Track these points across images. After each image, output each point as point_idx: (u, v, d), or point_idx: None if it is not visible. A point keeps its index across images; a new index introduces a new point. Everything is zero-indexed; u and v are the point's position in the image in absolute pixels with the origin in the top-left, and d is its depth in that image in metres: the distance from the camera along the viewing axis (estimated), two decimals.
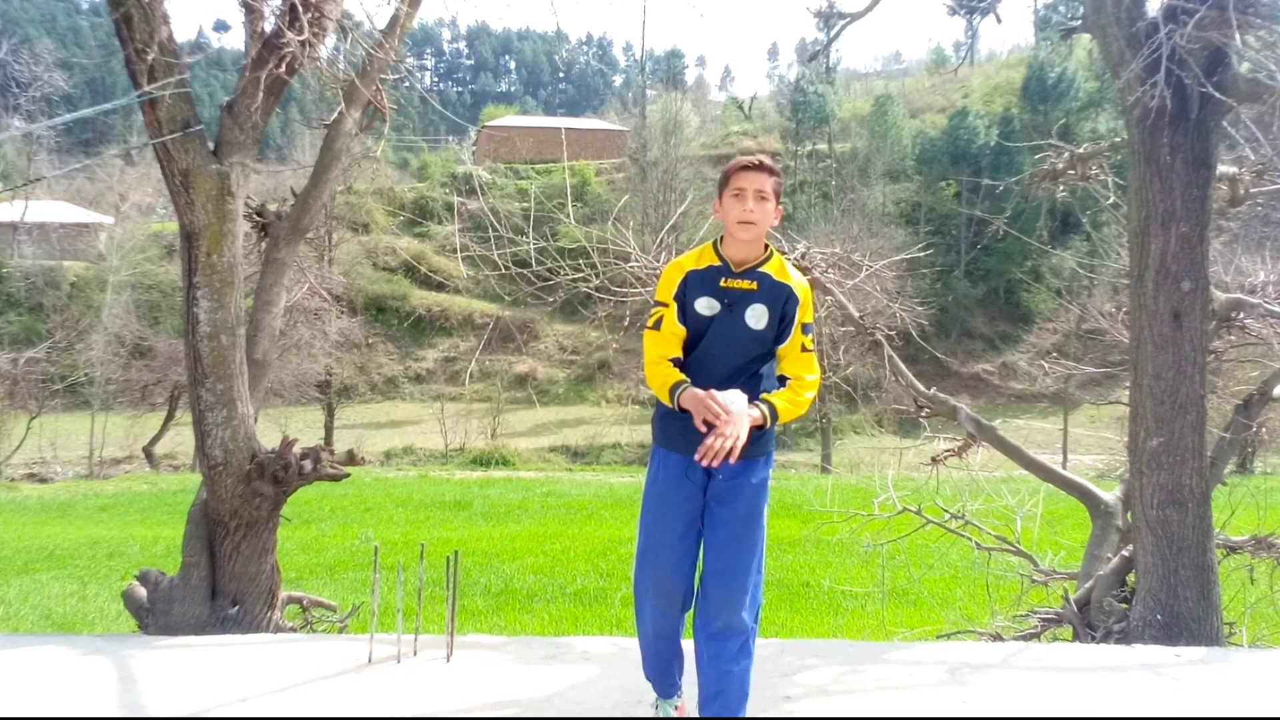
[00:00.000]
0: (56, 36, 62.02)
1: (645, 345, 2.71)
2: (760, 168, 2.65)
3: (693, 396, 2.52)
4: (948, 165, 47.47)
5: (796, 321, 2.67)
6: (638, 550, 2.75)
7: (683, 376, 2.60)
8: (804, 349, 2.68)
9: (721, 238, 2.76)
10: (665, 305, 2.69)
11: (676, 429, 2.65)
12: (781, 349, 2.68)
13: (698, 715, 2.72)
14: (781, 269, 2.73)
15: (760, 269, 2.70)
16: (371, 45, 4.38)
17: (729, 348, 2.65)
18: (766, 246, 2.74)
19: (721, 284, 2.67)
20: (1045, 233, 42.92)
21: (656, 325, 2.68)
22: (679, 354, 2.67)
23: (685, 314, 2.68)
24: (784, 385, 2.66)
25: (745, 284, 2.67)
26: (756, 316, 2.65)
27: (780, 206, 2.73)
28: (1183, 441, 4.10)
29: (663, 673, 2.83)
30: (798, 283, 2.72)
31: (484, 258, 6.33)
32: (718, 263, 2.71)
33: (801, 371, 2.67)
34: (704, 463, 2.41)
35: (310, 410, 31.77)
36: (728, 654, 2.60)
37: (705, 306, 2.66)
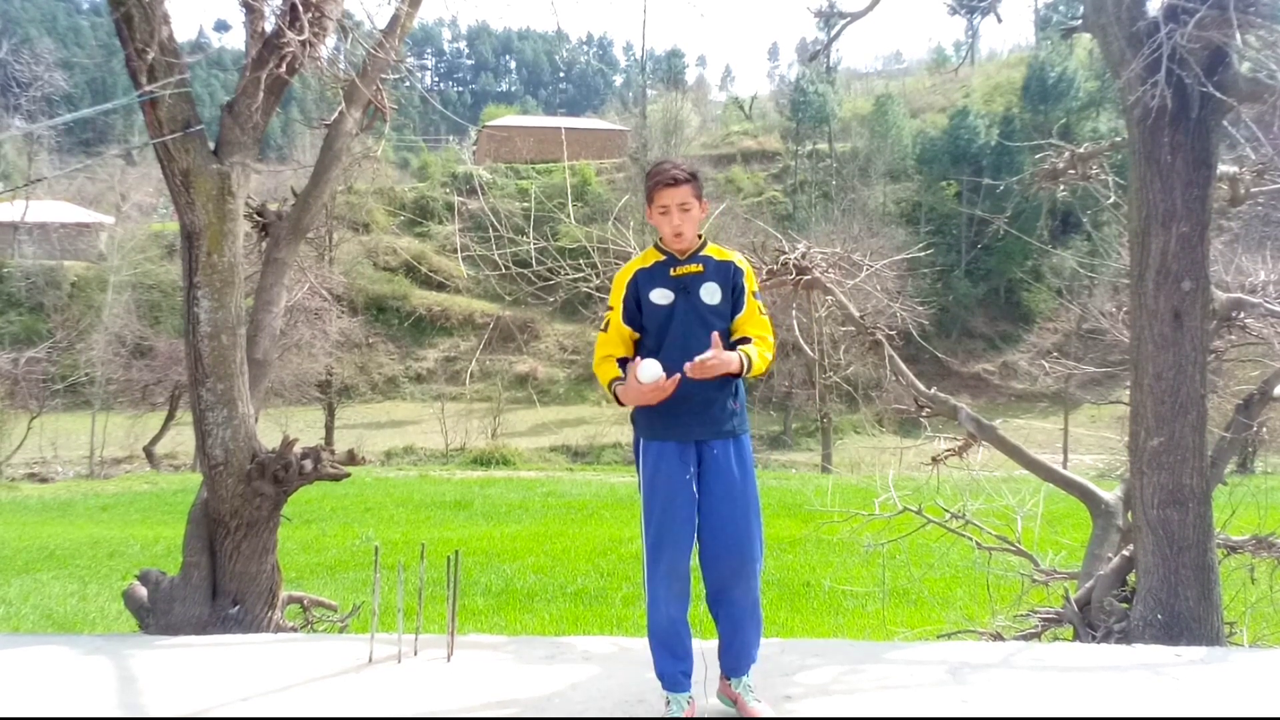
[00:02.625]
0: (57, 36, 62.10)
1: (596, 346, 2.99)
2: (677, 183, 2.87)
3: (629, 388, 2.77)
4: (948, 165, 47.46)
5: (747, 291, 2.94)
6: (650, 543, 2.88)
7: (620, 373, 2.85)
8: (760, 312, 2.96)
9: (661, 237, 3.01)
10: (612, 309, 2.97)
11: (668, 419, 2.86)
12: (740, 318, 2.93)
13: (718, 665, 2.96)
14: (719, 250, 2.99)
15: (701, 253, 2.95)
16: (372, 45, 4.38)
17: (694, 326, 2.85)
18: (700, 235, 3.01)
19: (671, 273, 2.92)
20: (1046, 232, 42.91)
21: (604, 328, 2.98)
22: (625, 353, 2.93)
23: (641, 309, 2.92)
24: (749, 343, 2.90)
25: (692, 267, 2.93)
26: (710, 293, 2.90)
27: (705, 201, 2.97)
28: (1183, 441, 4.10)
29: (676, 666, 2.88)
30: (737, 257, 2.99)
31: (484, 257, 6.34)
32: (663, 257, 2.96)
33: (763, 331, 2.93)
34: (691, 373, 2.70)
35: (311, 410, 31.78)
36: (746, 610, 2.89)
37: (660, 296, 2.90)
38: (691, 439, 2.86)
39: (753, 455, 2.99)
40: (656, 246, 3.00)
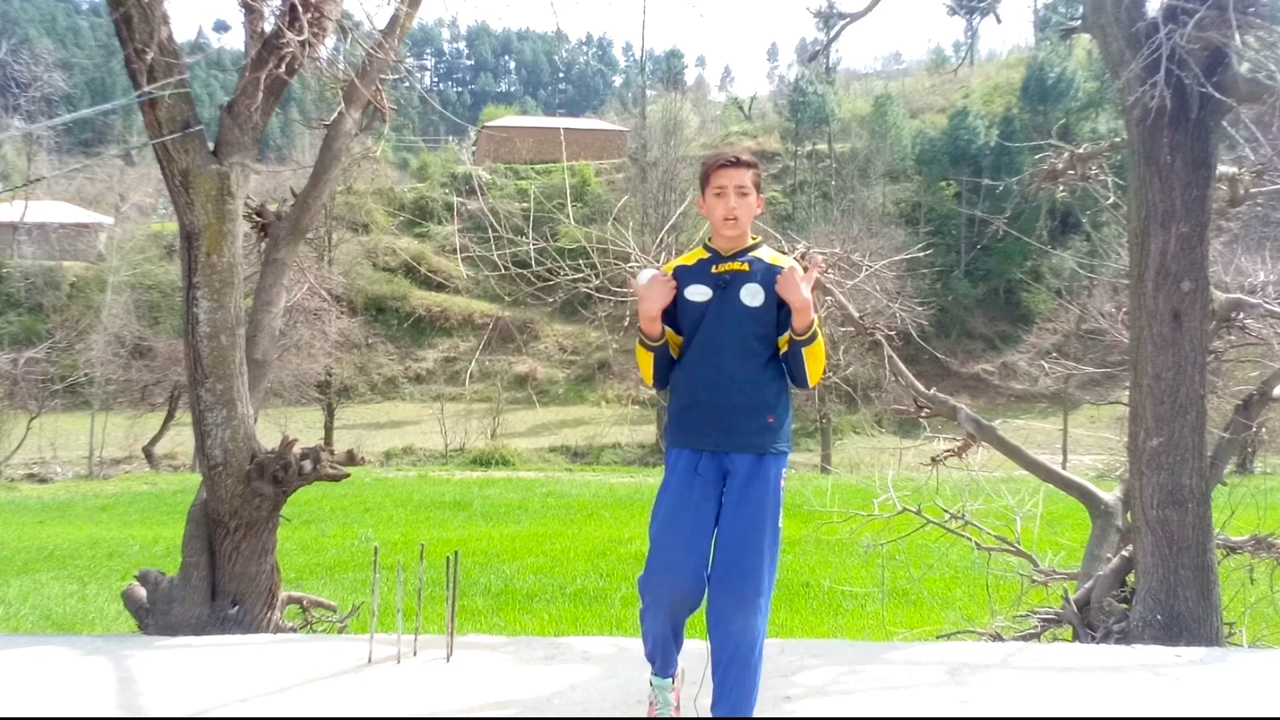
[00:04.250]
0: (56, 37, 62.20)
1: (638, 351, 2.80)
2: (738, 164, 2.71)
3: (640, 303, 2.68)
4: (948, 165, 47.46)
5: None
6: (648, 556, 2.72)
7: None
8: (818, 326, 2.77)
9: (711, 235, 2.84)
10: None
11: (689, 424, 2.71)
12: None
13: (693, 710, 2.73)
14: (774, 255, 2.80)
15: (750, 254, 2.77)
16: (371, 45, 4.38)
17: (726, 326, 2.68)
18: (754, 235, 2.83)
19: (713, 270, 2.74)
20: (1045, 233, 42.84)
21: None
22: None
23: (678, 307, 2.74)
24: None
25: (737, 265, 2.74)
26: (751, 294, 2.69)
27: (762, 196, 2.79)
28: (1183, 442, 4.10)
29: (663, 656, 2.79)
30: (790, 263, 2.77)
31: (484, 258, 6.34)
32: (707, 255, 2.79)
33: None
34: (786, 276, 2.61)
35: (310, 410, 31.76)
36: (740, 657, 2.59)
37: (696, 293, 2.72)
38: (708, 448, 2.67)
39: (783, 478, 2.71)
40: (705, 245, 2.82)
